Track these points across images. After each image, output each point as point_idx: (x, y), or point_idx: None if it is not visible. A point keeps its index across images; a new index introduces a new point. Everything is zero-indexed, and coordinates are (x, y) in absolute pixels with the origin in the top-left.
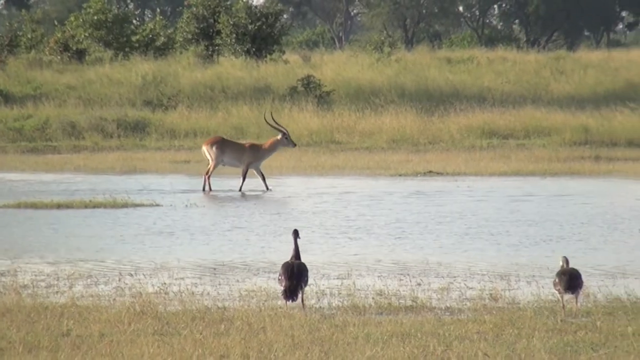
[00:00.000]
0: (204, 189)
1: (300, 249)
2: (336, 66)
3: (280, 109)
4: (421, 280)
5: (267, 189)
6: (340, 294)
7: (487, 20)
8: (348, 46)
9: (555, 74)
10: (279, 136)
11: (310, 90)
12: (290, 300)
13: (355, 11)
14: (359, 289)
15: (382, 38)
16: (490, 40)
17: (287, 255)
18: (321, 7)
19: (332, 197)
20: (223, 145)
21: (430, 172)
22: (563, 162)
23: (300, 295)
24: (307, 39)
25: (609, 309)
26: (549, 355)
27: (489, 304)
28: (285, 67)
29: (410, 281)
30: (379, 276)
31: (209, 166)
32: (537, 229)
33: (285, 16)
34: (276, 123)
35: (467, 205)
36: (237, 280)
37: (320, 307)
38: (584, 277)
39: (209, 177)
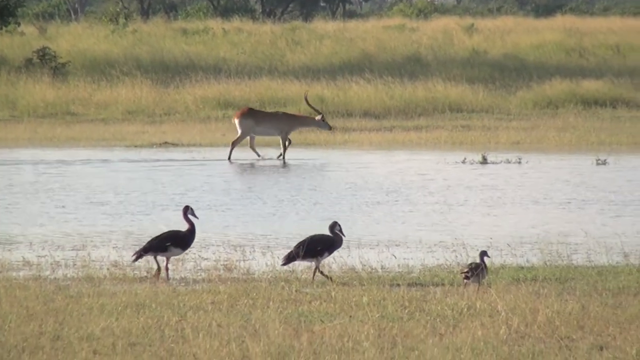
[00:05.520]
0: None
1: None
2: (72, 38)
3: (15, 80)
4: None
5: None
6: (75, 265)
7: None
8: (84, 18)
9: (290, 44)
10: (318, 117)
11: (45, 62)
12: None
13: None
14: (94, 260)
15: (118, 9)
16: (226, 11)
17: (14, 228)
18: None
19: (68, 169)
20: (255, 115)
21: (165, 143)
22: (299, 133)
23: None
24: (43, 11)
25: (344, 279)
26: (283, 325)
27: (224, 275)
28: (21, 38)
29: None
30: (114, 247)
31: (237, 136)
32: (255, 203)
33: None
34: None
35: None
36: None
37: (55, 278)
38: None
39: (233, 147)
